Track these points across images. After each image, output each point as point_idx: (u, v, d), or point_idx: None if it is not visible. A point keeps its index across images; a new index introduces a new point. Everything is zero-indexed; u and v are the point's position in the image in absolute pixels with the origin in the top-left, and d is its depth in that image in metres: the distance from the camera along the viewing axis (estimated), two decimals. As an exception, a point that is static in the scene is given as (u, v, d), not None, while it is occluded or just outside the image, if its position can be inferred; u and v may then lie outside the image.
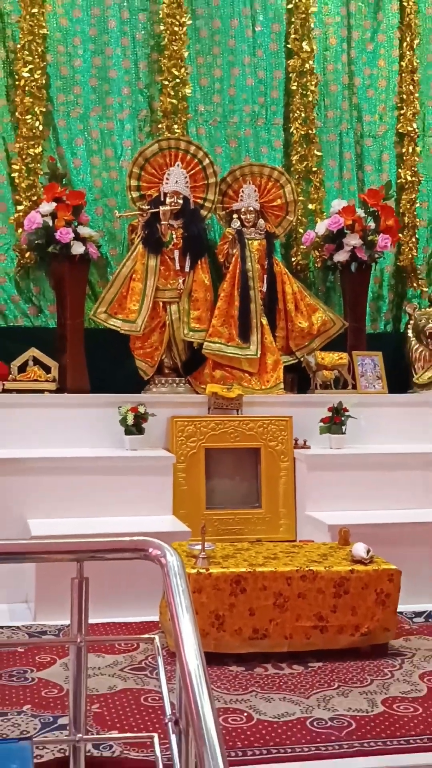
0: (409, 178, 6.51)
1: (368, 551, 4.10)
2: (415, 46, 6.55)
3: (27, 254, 5.83)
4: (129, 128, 6.12)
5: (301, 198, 6.27)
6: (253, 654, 3.88)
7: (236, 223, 5.99)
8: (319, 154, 6.38)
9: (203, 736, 1.97)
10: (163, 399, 5.61)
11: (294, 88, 6.37)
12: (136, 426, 5.30)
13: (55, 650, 3.91)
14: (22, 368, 5.58)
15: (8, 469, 4.95)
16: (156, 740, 2.71)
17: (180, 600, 2.42)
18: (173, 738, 2.48)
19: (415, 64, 6.55)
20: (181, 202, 5.78)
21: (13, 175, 5.89)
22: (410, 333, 6.30)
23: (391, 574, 4.03)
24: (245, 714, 3.30)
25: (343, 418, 5.58)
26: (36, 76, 5.91)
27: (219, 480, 5.47)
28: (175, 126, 6.10)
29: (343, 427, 5.58)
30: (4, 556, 2.82)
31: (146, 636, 3.69)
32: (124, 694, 3.47)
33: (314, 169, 6.36)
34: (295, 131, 6.35)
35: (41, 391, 5.51)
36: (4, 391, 5.44)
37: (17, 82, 5.92)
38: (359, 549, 4.11)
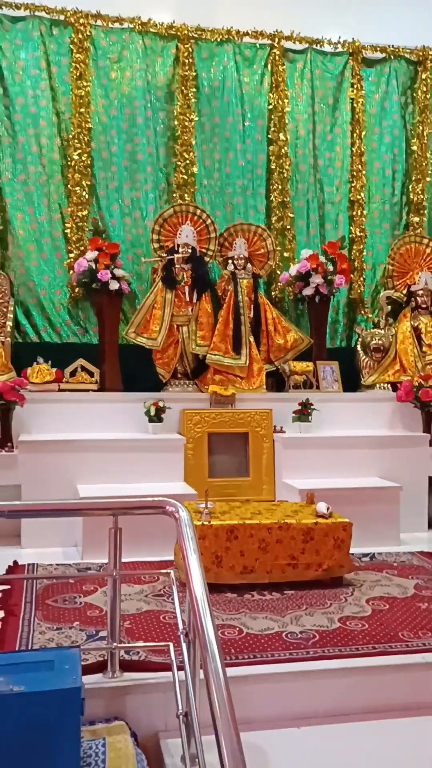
0: (358, 233, 6.47)
1: (328, 509, 4.09)
2: (362, 136, 6.52)
3: (76, 289, 5.80)
4: (152, 197, 6.08)
5: (278, 248, 6.23)
6: (243, 585, 3.86)
7: (230, 267, 5.96)
8: (291, 215, 6.34)
9: (206, 644, 1.97)
10: (176, 396, 5.58)
11: (273, 167, 6.33)
12: (156, 416, 5.28)
13: (97, 581, 3.89)
14: (72, 374, 5.55)
15: (63, 447, 4.93)
16: (171, 648, 2.71)
17: (189, 544, 2.42)
18: (184, 646, 2.48)
19: (362, 149, 6.51)
20: (190, 251, 5.76)
21: (66, 231, 5.87)
22: (359, 348, 6.28)
23: (345, 526, 4.01)
24: (237, 629, 3.29)
25: (309, 411, 5.56)
26: (83, 158, 5.89)
27: (218, 456, 5.45)
28: (186, 195, 6.07)
29: (310, 417, 5.56)
30: (61, 512, 2.84)
31: (164, 571, 3.66)
32: (147, 614, 3.45)
33: (288, 227, 6.32)
34: (273, 199, 6.31)
35: (87, 391, 5.49)
36: (60, 390, 5.42)
37: (69, 163, 5.90)
38: (321, 507, 4.10)
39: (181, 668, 2.51)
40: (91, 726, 2.52)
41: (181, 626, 2.55)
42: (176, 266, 5.72)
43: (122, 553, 2.75)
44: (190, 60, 6.18)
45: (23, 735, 2.10)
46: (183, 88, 6.14)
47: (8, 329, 5.58)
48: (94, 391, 5.51)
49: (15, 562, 4.27)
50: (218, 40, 6.28)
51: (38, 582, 3.87)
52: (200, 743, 2.12)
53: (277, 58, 6.37)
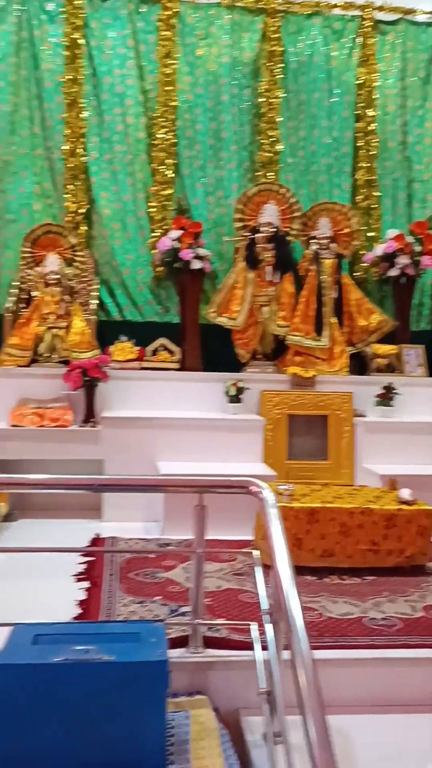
0: (447, 212, 6.27)
1: (411, 495, 4.00)
2: (455, 111, 6.28)
3: (159, 269, 5.85)
4: (235, 175, 6.04)
5: (363, 228, 6.10)
6: (323, 568, 3.83)
7: (314, 246, 5.87)
8: (377, 194, 6.18)
9: (293, 625, 1.95)
10: (256, 377, 5.56)
11: (360, 144, 6.18)
12: (236, 396, 5.29)
13: (177, 557, 3.94)
14: (154, 352, 5.62)
15: (144, 424, 5.00)
16: (253, 627, 2.71)
17: (275, 525, 2.40)
18: (268, 626, 2.47)
19: (454, 125, 6.28)
20: (273, 230, 5.70)
21: (150, 210, 5.92)
22: (445, 331, 6.09)
23: (428, 513, 3.91)
24: (317, 612, 3.27)
25: (392, 395, 5.44)
26: (168, 137, 5.90)
27: (297, 438, 5.41)
28: (270, 173, 6.01)
29: (392, 402, 5.44)
30: (149, 488, 2.89)
31: (246, 550, 3.67)
32: (227, 592, 3.47)
33: (373, 206, 6.17)
34: (359, 177, 6.17)
35: (168, 369, 5.54)
36: (142, 368, 5.50)
37: (154, 142, 5.92)
38: (405, 493, 4.01)
39: (263, 647, 2.51)
40: (175, 698, 2.56)
41: (265, 606, 2.55)
42: (259, 246, 5.68)
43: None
44: (278, 35, 6.07)
45: (111, 703, 2.15)
46: (269, 63, 6.05)
47: (93, 307, 5.68)
48: (174, 369, 5.55)
49: (97, 536, 4.38)
50: (307, 13, 6.14)
51: (120, 555, 3.95)
52: (284, 722, 2.12)
53: (367, 30, 6.18)
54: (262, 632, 2.65)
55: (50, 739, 2.13)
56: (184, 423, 5.06)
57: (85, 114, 5.87)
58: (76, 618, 3.08)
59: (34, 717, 2.14)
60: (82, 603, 3.27)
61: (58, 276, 5.52)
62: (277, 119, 6.04)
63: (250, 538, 4.23)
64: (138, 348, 5.55)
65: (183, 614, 3.10)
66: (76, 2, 5.82)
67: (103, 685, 2.16)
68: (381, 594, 3.53)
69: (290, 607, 2.03)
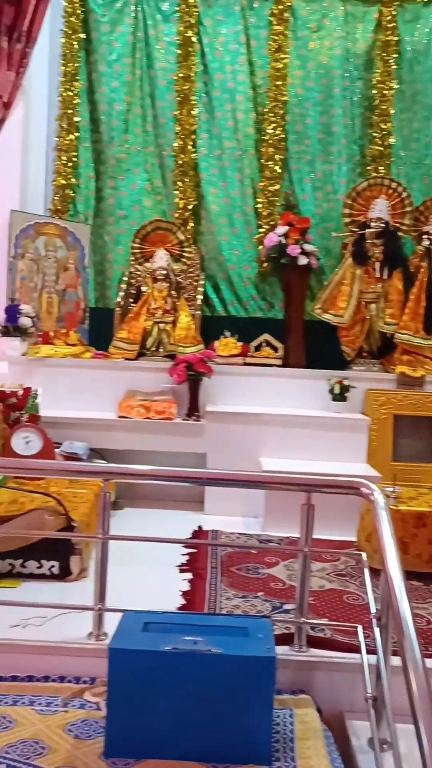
0: None
1: None
2: None
3: (264, 264, 5.86)
4: (344, 170, 5.97)
5: None
6: (429, 573, 3.73)
7: (426, 242, 5.68)
8: None
9: (405, 631, 1.91)
10: (361, 375, 5.45)
11: None
12: (340, 394, 5.22)
13: (278, 554, 3.94)
14: (257, 348, 5.63)
15: (247, 420, 5.02)
16: (360, 630, 2.68)
17: (385, 528, 2.37)
18: (376, 630, 2.44)
19: None
20: (383, 225, 5.57)
21: (257, 206, 5.93)
22: None
23: None
24: (425, 619, 3.18)
25: None
26: (277, 132, 5.90)
27: (403, 439, 5.26)
28: (381, 167, 5.88)
29: None
30: (257, 484, 2.91)
31: (353, 551, 3.63)
32: (330, 592, 3.44)
33: None
34: None
35: (271, 365, 5.53)
36: (245, 364, 5.52)
37: (263, 137, 5.94)
38: None
39: (370, 651, 2.48)
40: (279, 696, 2.57)
41: (373, 610, 2.51)
42: (368, 241, 5.57)
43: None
44: (393, 24, 5.93)
45: (220, 695, 2.19)
46: (383, 54, 5.92)
47: (198, 302, 5.76)
48: (277, 366, 5.54)
49: (200, 528, 4.45)
50: (424, 0, 5.96)
51: (222, 548, 4.00)
52: (394, 730, 2.09)
53: None
54: (368, 635, 2.63)
55: (159, 725, 2.19)
56: (286, 420, 5.05)
57: (195, 111, 5.95)
58: (180, 608, 3.14)
59: (143, 702, 2.21)
60: (185, 594, 3.33)
61: (165, 272, 5.63)
62: (390, 111, 5.91)
63: (351, 538, 4.18)
64: (241, 344, 5.58)
65: (287, 611, 3.10)
66: (190, 0, 5.91)
67: (212, 677, 2.20)
68: None
69: (402, 613, 2.00)
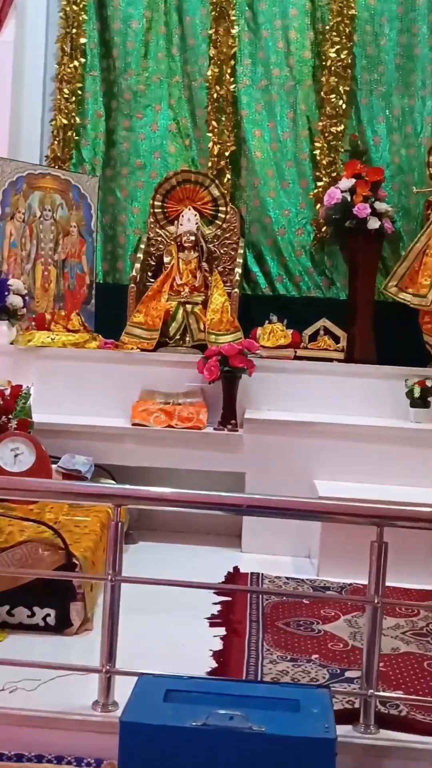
0: None
1: None
2: None
3: (323, 228, 5.86)
4: (430, 105, 5.93)
5: None
6: None
7: None
8: None
9: None
10: (449, 375, 5.43)
11: None
12: (422, 399, 5.17)
13: (339, 606, 3.93)
14: (313, 337, 5.62)
15: (298, 430, 5.00)
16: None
17: None
18: (468, 708, 2.42)
19: None
20: None
21: (315, 152, 5.94)
22: None
23: None
24: None
25: None
26: (342, 56, 5.90)
27: None
28: None
29: None
30: (313, 514, 2.91)
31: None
32: (406, 656, 3.41)
33: None
34: None
35: (330, 360, 5.52)
36: (296, 357, 5.52)
37: (324, 63, 5.95)
38: None
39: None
40: (338, 789, 2.57)
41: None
42: (459, 199, 5.54)
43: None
44: None
45: (262, 785, 2.20)
46: None
47: (237, 277, 5.76)
48: (339, 361, 5.53)
49: (236, 569, 4.46)
50: None
51: (265, 597, 4.01)
52: None
53: None
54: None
55: None
56: (350, 431, 5.01)
57: (235, 30, 5.97)
58: (211, 673, 3.16)
59: (164, 791, 2.22)
60: (218, 655, 3.34)
61: (195, 237, 5.66)
62: None
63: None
64: (292, 331, 5.58)
65: (349, 681, 3.09)
66: None
67: (253, 763, 2.21)
68: None
69: None
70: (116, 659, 2.78)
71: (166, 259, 5.73)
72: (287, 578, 4.39)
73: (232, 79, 5.98)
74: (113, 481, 4.77)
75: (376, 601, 2.76)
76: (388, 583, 4.19)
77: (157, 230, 5.85)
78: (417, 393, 5.18)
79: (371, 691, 2.76)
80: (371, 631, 2.78)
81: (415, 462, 4.96)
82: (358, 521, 2.84)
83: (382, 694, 2.88)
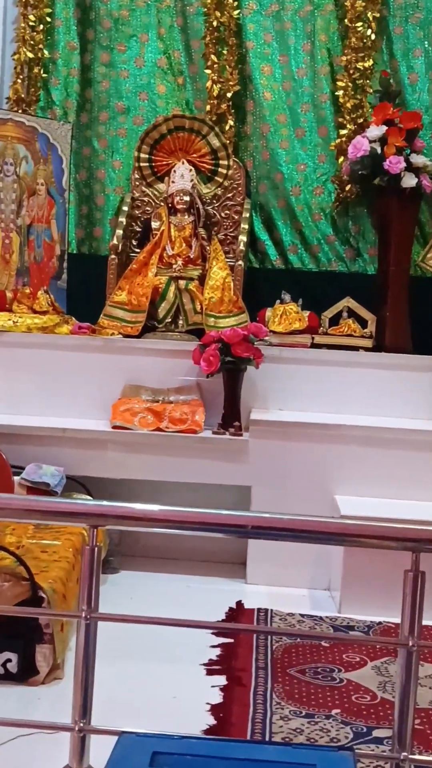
0: None
1: None
2: None
3: (348, 187, 5.86)
4: None
5: None
6: None
7: None
8: None
9: None
10: None
11: None
12: (466, 396, 5.20)
13: (365, 650, 3.93)
14: (334, 320, 5.62)
15: (316, 435, 5.00)
16: None
17: None
18: None
19: None
20: None
21: (337, 93, 5.93)
22: None
23: None
24: None
25: None
26: (371, -24, 5.89)
27: None
28: None
29: None
30: (333, 537, 2.88)
31: None
32: (447, 712, 3.44)
33: None
34: None
35: (355, 348, 5.52)
36: (313, 345, 5.51)
37: (348, -17, 5.94)
38: None
39: None
40: None
41: None
42: None
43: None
44: None
45: None
46: None
47: (241, 247, 5.76)
48: (366, 349, 5.53)
49: (239, 605, 4.46)
50: None
51: (275, 638, 4.01)
52: None
53: None
54: None
55: None
56: (378, 435, 5.02)
57: None
58: (208, 731, 3.16)
59: None
60: (216, 709, 3.35)
61: (189, 197, 5.65)
62: None
63: None
64: (308, 313, 5.58)
65: (378, 741, 3.09)
66: None
67: None
68: None
69: None
70: (92, 715, 2.77)
71: (154, 225, 5.73)
72: (302, 615, 4.40)
73: (235, 3, 5.96)
74: (89, 497, 4.76)
75: (410, 644, 2.75)
76: (425, 622, 4.24)
77: (144, 189, 5.83)
78: (461, 389, 5.19)
79: (405, 753, 2.75)
80: (405, 681, 2.77)
81: (458, 472, 4.98)
82: (389, 546, 2.81)
83: (417, 757, 2.87)
